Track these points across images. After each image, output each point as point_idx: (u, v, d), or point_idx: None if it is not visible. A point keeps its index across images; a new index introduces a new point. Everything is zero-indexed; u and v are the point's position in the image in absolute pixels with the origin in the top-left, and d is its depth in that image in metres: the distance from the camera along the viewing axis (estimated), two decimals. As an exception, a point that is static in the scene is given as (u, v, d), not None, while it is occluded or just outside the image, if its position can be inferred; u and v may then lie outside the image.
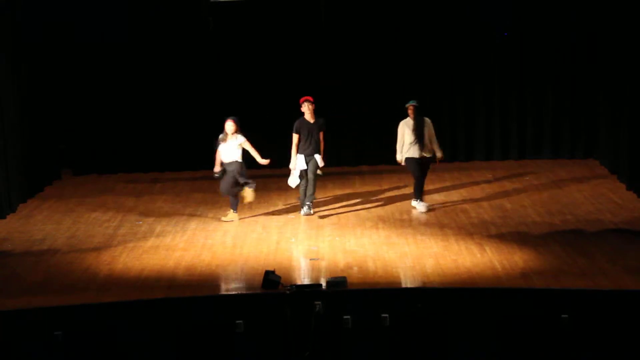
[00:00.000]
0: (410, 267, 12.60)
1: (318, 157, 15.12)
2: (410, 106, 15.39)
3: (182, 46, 18.66)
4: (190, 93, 18.77)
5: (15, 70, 16.41)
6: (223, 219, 14.98)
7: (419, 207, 15.38)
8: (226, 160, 14.82)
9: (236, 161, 14.81)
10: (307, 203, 15.21)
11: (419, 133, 15.22)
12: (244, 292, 11.82)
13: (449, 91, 18.85)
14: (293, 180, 15.25)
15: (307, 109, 15.05)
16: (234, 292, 11.95)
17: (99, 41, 18.46)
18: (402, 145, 15.40)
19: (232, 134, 14.76)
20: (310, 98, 15.08)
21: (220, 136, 14.87)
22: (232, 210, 15.01)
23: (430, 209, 15.35)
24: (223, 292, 12.05)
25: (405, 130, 15.35)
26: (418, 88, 18.37)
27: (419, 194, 15.43)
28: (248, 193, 14.86)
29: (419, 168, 15.33)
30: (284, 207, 15.97)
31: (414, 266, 12.62)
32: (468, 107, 19.01)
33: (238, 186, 14.85)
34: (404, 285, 12.09)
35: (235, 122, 14.78)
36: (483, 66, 18.81)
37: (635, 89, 16.02)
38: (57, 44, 18.28)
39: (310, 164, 15.13)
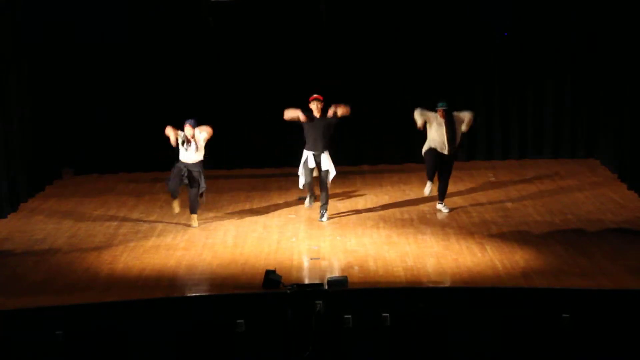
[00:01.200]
0: (411, 266, 12.61)
1: (325, 158, 14.92)
2: (439, 110, 15.14)
3: (183, 46, 18.64)
4: (191, 93, 18.75)
5: (16, 70, 16.40)
6: (193, 224, 14.77)
7: (429, 187, 15.42)
8: (190, 161, 14.67)
9: (201, 161, 14.72)
10: (322, 212, 15.07)
11: (450, 135, 15.12)
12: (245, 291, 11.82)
13: (449, 91, 18.80)
14: (300, 181, 15.18)
15: (315, 107, 14.90)
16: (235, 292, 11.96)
17: (99, 41, 18.44)
18: (424, 119, 15.16)
19: (192, 137, 14.56)
20: (320, 97, 14.91)
21: (182, 135, 14.58)
22: (195, 215, 14.80)
23: (450, 210, 15.35)
24: (224, 292, 12.04)
25: (434, 122, 15.13)
26: (418, 88, 18.36)
27: (432, 177, 15.34)
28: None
29: (437, 160, 15.18)
30: (284, 206, 15.96)
31: (415, 265, 12.63)
32: (469, 107, 18.93)
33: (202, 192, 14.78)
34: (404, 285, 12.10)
35: (193, 125, 14.54)
36: (483, 66, 18.81)
37: (635, 89, 16.02)
38: (57, 44, 18.27)
39: (320, 175, 14.97)
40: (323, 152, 14.94)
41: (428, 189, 15.45)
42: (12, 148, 16.03)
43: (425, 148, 15.30)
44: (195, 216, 14.78)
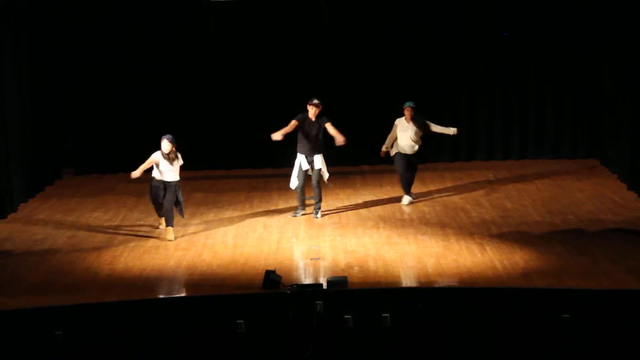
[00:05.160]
0: (411, 266, 12.61)
1: (318, 159, 15.02)
2: (407, 109, 15.59)
3: (183, 46, 18.64)
4: (191, 92, 18.76)
5: (17, 70, 16.40)
6: (169, 237, 14.15)
7: (403, 201, 15.82)
8: (168, 179, 14.13)
9: (178, 180, 14.22)
10: (316, 209, 15.17)
11: (415, 138, 15.54)
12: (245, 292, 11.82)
13: (450, 91, 18.84)
14: (292, 182, 15.19)
15: (311, 111, 14.91)
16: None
17: (99, 41, 18.43)
18: (393, 140, 15.70)
19: (170, 152, 14.09)
20: (319, 104, 14.92)
21: (159, 155, 14.12)
22: (171, 227, 14.24)
23: (412, 202, 15.75)
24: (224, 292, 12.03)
25: (398, 129, 15.66)
26: (419, 88, 18.35)
27: (408, 190, 15.85)
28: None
29: (406, 164, 15.62)
30: (284, 206, 15.96)
31: (415, 266, 12.63)
32: (470, 107, 18.99)
33: (177, 204, 14.33)
34: (404, 285, 12.09)
35: (172, 141, 14.11)
36: (484, 66, 18.80)
37: (636, 89, 16.02)
38: (58, 44, 18.25)
39: (313, 174, 15.05)
40: (316, 154, 14.97)
41: (406, 200, 15.77)
42: (12, 148, 16.02)
43: (393, 151, 15.74)
44: (171, 229, 14.20)
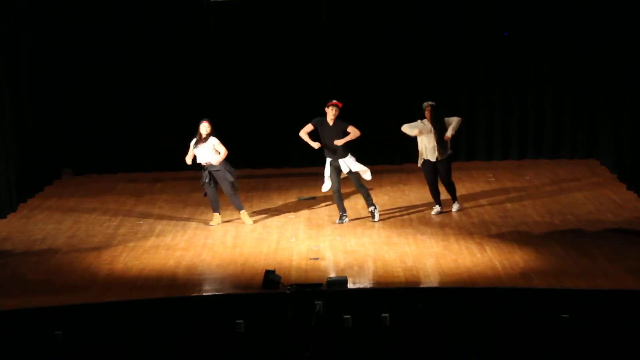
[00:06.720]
0: (410, 267, 12.61)
1: (343, 162, 14.72)
2: (427, 108, 14.89)
3: (182, 46, 18.65)
4: (191, 92, 18.76)
5: (15, 69, 16.40)
6: (248, 222, 14.86)
7: (435, 210, 15.17)
8: (200, 161, 14.67)
9: (217, 163, 14.63)
10: (371, 210, 14.82)
11: (439, 138, 14.84)
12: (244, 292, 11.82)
13: (450, 91, 18.83)
14: (325, 186, 15.00)
15: (331, 113, 14.54)
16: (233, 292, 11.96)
17: (99, 41, 18.44)
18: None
19: (207, 134, 14.62)
20: (338, 104, 14.61)
21: (193, 141, 14.71)
22: (243, 210, 14.95)
23: (440, 212, 15.17)
24: (223, 292, 12.04)
25: (422, 132, 14.94)
26: (419, 88, 18.34)
27: (437, 199, 15.17)
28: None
29: (434, 173, 15.06)
30: (284, 206, 15.97)
31: (415, 266, 12.62)
32: (469, 107, 18.99)
33: (233, 183, 14.84)
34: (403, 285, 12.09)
35: (210, 123, 14.68)
36: (484, 66, 18.81)
37: (635, 89, 16.02)
38: (57, 44, 18.26)
39: (351, 177, 14.76)
40: (342, 157, 14.71)
41: (435, 210, 15.18)
42: (11, 148, 16.03)
43: (420, 161, 15.11)
44: (244, 212, 14.89)
